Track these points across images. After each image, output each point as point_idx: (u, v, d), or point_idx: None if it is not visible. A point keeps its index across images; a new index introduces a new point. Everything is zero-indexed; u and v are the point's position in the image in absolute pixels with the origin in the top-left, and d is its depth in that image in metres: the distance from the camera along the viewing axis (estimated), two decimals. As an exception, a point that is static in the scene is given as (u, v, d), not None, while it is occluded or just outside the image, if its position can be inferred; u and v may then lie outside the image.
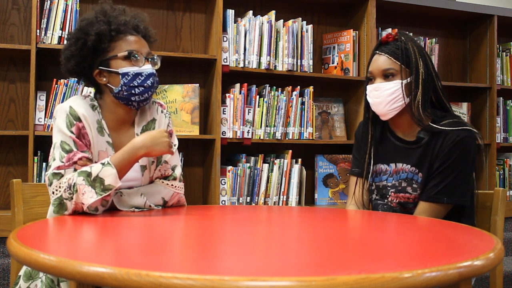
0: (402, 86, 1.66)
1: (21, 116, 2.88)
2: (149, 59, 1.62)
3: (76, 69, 1.61)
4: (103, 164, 1.47)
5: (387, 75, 1.68)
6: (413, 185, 1.70)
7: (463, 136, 1.63)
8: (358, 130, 1.91)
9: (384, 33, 3.41)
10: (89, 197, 1.43)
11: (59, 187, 1.46)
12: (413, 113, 1.67)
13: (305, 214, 1.74)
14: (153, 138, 1.53)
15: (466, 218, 1.69)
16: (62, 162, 1.49)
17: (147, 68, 1.60)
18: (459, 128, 1.64)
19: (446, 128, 1.65)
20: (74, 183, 1.44)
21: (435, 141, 1.67)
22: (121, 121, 1.65)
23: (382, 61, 1.69)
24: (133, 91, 1.58)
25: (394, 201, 1.74)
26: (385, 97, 1.67)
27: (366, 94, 1.75)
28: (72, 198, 1.45)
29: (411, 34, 3.52)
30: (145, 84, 1.59)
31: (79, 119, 1.54)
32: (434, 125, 1.67)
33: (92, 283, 0.84)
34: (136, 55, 1.58)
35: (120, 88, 1.57)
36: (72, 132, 1.52)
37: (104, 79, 1.60)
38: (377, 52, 1.72)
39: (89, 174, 1.45)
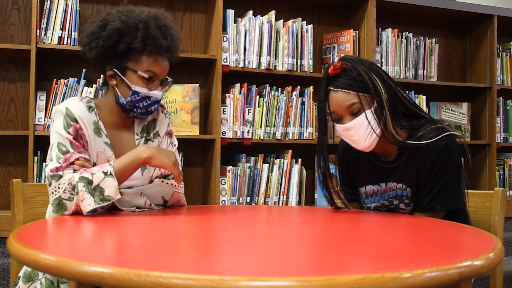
0: (373, 114, 1.58)
1: (21, 116, 2.88)
2: (162, 83, 1.62)
3: (92, 59, 1.61)
4: (105, 173, 1.46)
5: (353, 111, 1.59)
6: (404, 201, 1.68)
7: (443, 145, 1.57)
8: (337, 155, 1.86)
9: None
10: (87, 204, 1.43)
11: (58, 187, 1.46)
12: (387, 138, 1.60)
13: (305, 214, 1.74)
14: (159, 148, 1.56)
15: (461, 219, 1.67)
16: (59, 163, 1.49)
17: (157, 94, 1.60)
18: (437, 138, 1.58)
19: (424, 142, 1.59)
20: (76, 186, 1.44)
21: (417, 154, 1.61)
22: (120, 121, 1.65)
23: (341, 98, 1.59)
24: (135, 110, 1.60)
25: None
26: (362, 133, 1.59)
27: (334, 132, 1.66)
28: (73, 199, 1.45)
29: (410, 34, 3.52)
30: (149, 109, 1.61)
31: (76, 120, 1.54)
32: (411, 142, 1.61)
33: (92, 283, 0.84)
34: (154, 79, 1.58)
35: (125, 102, 1.58)
36: (69, 133, 1.52)
37: (115, 82, 1.59)
38: (331, 88, 1.60)
39: (90, 182, 1.44)
